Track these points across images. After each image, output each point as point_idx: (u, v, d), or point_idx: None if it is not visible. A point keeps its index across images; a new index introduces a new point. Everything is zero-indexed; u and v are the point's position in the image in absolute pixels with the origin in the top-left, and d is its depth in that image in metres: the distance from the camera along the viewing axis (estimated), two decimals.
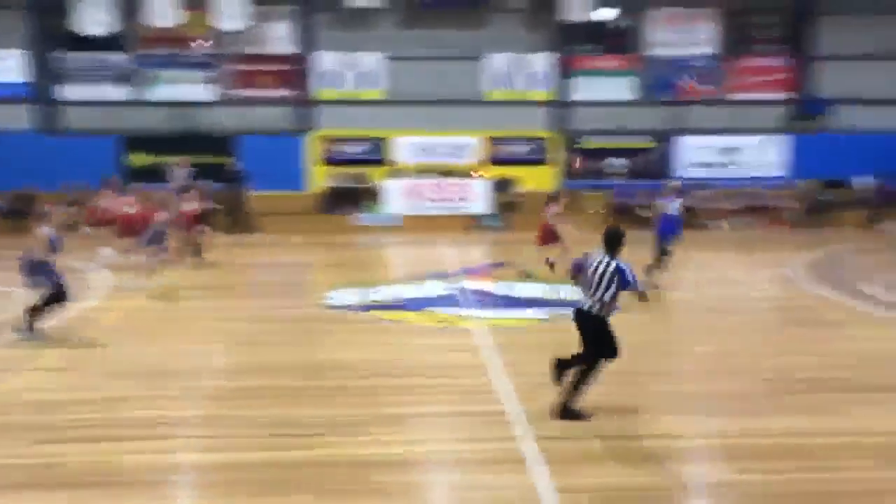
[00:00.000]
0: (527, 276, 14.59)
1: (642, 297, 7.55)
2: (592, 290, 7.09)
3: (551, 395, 7.31)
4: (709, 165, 25.06)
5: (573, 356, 7.26)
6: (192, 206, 16.05)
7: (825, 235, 21.39)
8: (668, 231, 13.45)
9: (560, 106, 25.05)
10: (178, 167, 21.50)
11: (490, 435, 6.86)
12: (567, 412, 7.09)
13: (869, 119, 24.94)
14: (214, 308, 12.29)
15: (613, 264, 7.07)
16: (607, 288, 7.02)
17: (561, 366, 7.31)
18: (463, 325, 10.99)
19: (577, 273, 7.40)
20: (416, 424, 7.20)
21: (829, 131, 25.03)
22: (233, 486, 5.91)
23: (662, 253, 13.29)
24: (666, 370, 7.59)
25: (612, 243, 7.19)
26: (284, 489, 5.86)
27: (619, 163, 25.29)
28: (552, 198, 15.18)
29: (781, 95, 25.44)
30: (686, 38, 25.12)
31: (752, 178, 24.78)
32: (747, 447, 6.58)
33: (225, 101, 24.28)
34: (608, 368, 7.26)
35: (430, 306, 12.15)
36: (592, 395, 7.26)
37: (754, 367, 8.88)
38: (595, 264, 7.13)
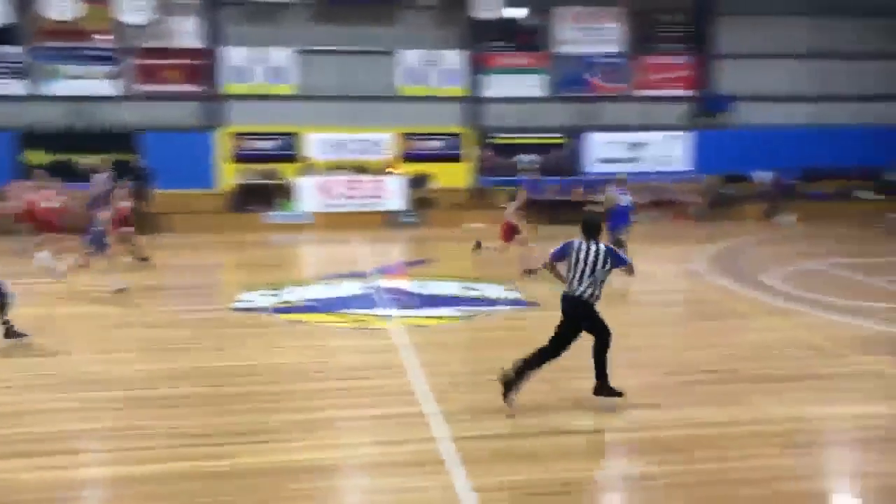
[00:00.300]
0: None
1: (631, 271, 7.75)
2: (585, 275, 7.25)
3: (469, 394, 7.37)
4: (616, 161, 25.67)
5: (543, 351, 7.31)
6: (123, 204, 15.76)
7: (727, 228, 22.24)
8: (620, 222, 14.01)
9: (473, 102, 25.23)
10: (99, 171, 20.54)
11: (409, 436, 6.86)
12: (508, 391, 7.19)
13: (766, 115, 26.05)
14: (124, 313, 11.90)
15: (602, 247, 7.34)
16: (602, 269, 7.26)
17: (528, 366, 7.29)
18: (379, 326, 10.95)
19: (557, 261, 7.58)
20: (333, 428, 7.13)
21: (730, 127, 26.01)
22: (146, 501, 5.73)
23: (616, 244, 13.59)
24: (578, 365, 7.74)
25: (592, 229, 7.44)
26: (200, 500, 5.72)
27: (529, 158, 25.64)
28: (510, 195, 15.38)
29: (685, 92, 26.31)
30: (593, 37, 25.69)
31: (658, 173, 25.53)
32: (657, 439, 6.75)
33: (129, 97, 23.52)
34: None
35: (345, 307, 12.05)
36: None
37: (661, 360, 9.15)
38: (583, 250, 7.31)
